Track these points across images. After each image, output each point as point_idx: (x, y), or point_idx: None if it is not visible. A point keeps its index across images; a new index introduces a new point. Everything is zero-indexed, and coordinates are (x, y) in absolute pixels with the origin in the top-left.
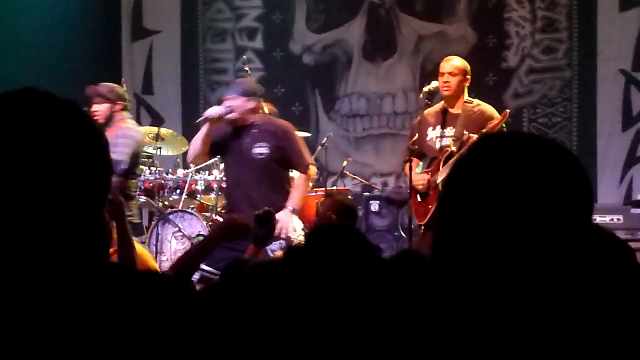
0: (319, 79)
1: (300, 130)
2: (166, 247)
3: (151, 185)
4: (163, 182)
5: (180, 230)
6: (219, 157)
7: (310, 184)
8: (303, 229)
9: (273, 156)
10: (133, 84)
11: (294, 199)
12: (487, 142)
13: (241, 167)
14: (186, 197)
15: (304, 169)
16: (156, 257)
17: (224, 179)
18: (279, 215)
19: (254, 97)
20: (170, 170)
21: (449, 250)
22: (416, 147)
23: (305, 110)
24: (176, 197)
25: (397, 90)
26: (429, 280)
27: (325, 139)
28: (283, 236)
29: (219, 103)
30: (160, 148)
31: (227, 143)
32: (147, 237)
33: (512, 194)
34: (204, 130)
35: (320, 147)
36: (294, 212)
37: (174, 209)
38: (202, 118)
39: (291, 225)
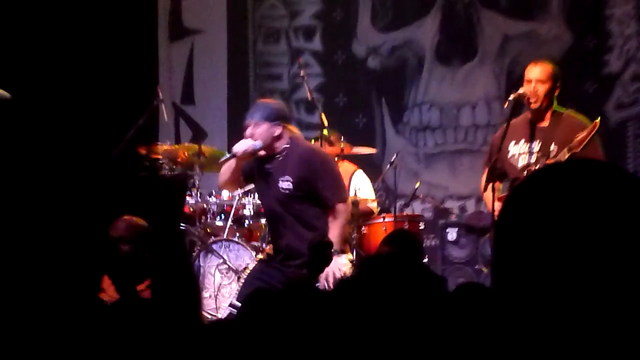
0: (385, 86)
1: (364, 145)
2: (209, 282)
3: (191, 209)
4: (205, 206)
5: (225, 262)
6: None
7: (347, 218)
8: (351, 261)
9: (297, 191)
10: (170, 91)
11: (333, 237)
12: (547, 171)
13: (269, 199)
14: (232, 223)
15: (333, 206)
16: None
17: None
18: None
19: (279, 122)
20: (214, 192)
21: (509, 283)
22: (498, 165)
23: (369, 122)
24: (220, 224)
25: (477, 99)
26: (488, 315)
27: (395, 155)
28: (325, 285)
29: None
30: (201, 166)
31: (254, 172)
32: None
33: (569, 228)
34: (231, 163)
35: (388, 166)
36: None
37: (218, 238)
38: (228, 156)
39: (336, 272)
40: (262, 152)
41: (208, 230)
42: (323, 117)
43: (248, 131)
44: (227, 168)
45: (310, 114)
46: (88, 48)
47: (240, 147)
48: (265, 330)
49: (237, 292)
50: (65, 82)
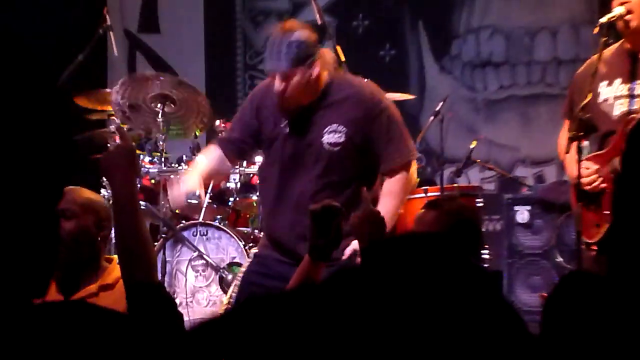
0: (423, 5)
1: (394, 89)
2: (178, 283)
3: (153, 181)
4: (172, 176)
5: (200, 256)
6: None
7: (409, 191)
8: None
9: (351, 146)
10: (123, 15)
11: (385, 213)
12: None
13: (294, 168)
14: (210, 201)
15: (400, 169)
16: None
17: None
18: (354, 243)
19: (314, 56)
20: (185, 158)
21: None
22: (587, 115)
23: (400, 55)
24: (194, 202)
25: (559, 23)
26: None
27: (440, 104)
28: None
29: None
30: (167, 122)
31: (257, 136)
32: None
33: None
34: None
35: (431, 119)
36: None
37: (191, 222)
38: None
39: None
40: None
41: (177, 212)
42: (338, 49)
43: (277, 84)
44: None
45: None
46: None
47: (176, 202)
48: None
49: (232, 301)
50: None
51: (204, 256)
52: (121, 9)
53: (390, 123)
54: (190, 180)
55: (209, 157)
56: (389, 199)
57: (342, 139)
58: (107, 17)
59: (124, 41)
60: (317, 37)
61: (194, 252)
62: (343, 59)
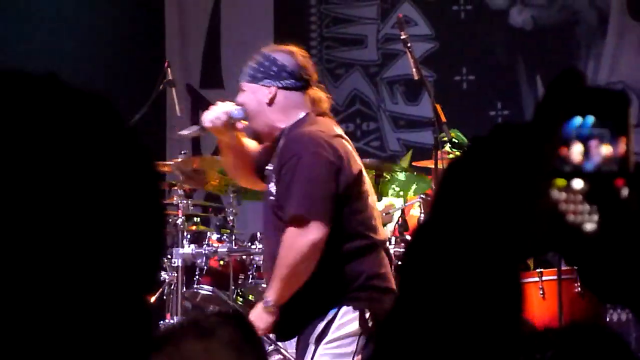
0: (541, 56)
1: None
2: None
3: (222, 263)
4: (245, 257)
5: (277, 350)
6: None
7: (301, 256)
8: None
9: (279, 199)
10: (183, 67)
11: (273, 281)
12: None
13: (264, 207)
14: None
15: (289, 223)
16: None
17: None
18: (251, 314)
19: (274, 81)
20: (260, 237)
21: None
22: None
23: (515, 115)
24: (239, 125)
25: None
26: None
27: None
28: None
29: None
30: (237, 192)
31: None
32: None
33: None
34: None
35: None
36: (269, 309)
37: None
38: (193, 129)
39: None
40: (240, 125)
41: (250, 298)
42: (438, 108)
43: (238, 99)
44: (225, 148)
45: (413, 103)
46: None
47: (209, 115)
48: None
49: None
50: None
51: (281, 350)
52: (182, 63)
53: (294, 173)
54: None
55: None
56: (279, 263)
57: (274, 191)
58: (169, 71)
59: (185, 97)
60: (294, 71)
61: (270, 345)
62: (444, 119)
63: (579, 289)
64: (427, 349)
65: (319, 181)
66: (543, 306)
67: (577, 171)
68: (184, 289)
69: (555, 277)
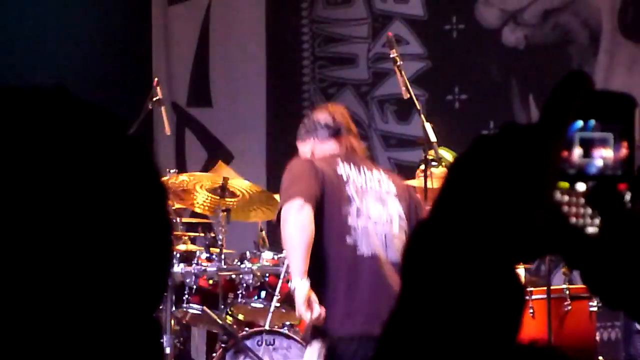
0: (534, 75)
1: None
2: None
3: (211, 282)
4: (234, 276)
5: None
6: None
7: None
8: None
9: None
10: (169, 86)
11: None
12: None
13: None
14: (278, 305)
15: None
16: None
17: None
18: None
19: (310, 135)
20: (249, 255)
21: None
22: None
23: None
24: (259, 306)
25: None
26: None
27: None
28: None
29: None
30: (227, 211)
31: None
32: None
33: None
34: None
35: None
36: (295, 285)
37: (255, 329)
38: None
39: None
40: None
41: (240, 317)
42: (428, 127)
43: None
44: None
45: (404, 122)
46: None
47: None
48: None
49: None
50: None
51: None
52: (168, 81)
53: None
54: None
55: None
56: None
57: None
58: (158, 89)
59: (171, 116)
60: (324, 125)
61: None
62: (434, 139)
63: (569, 307)
64: (427, 348)
65: (296, 176)
66: (532, 325)
67: (580, 174)
68: (174, 308)
69: (544, 296)
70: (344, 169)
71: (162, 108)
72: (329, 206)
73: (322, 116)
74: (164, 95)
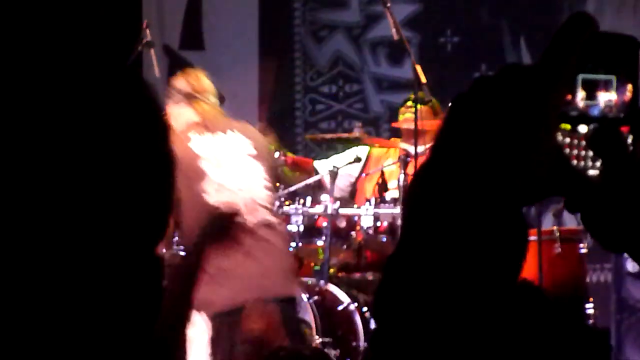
0: (525, 17)
1: None
2: None
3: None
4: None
5: None
6: None
7: None
8: None
9: None
10: (161, 28)
11: None
12: None
13: None
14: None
15: None
16: None
17: None
18: None
19: None
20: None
21: None
22: None
23: None
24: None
25: None
26: None
27: None
28: None
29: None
30: None
31: None
32: None
33: None
34: None
35: None
36: None
37: None
38: None
39: None
40: None
41: None
42: (419, 69)
43: None
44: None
45: (395, 65)
46: None
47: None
48: None
49: None
50: None
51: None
52: (160, 24)
53: None
54: None
55: None
56: None
57: None
58: (147, 32)
59: (163, 59)
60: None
61: None
62: (424, 80)
63: (559, 250)
64: (428, 289)
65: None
66: (523, 267)
67: (583, 116)
68: None
69: (535, 238)
70: (198, 143)
71: (152, 50)
72: (186, 189)
73: (176, 82)
74: (155, 38)
